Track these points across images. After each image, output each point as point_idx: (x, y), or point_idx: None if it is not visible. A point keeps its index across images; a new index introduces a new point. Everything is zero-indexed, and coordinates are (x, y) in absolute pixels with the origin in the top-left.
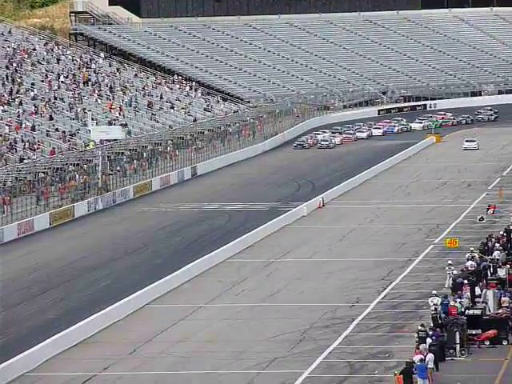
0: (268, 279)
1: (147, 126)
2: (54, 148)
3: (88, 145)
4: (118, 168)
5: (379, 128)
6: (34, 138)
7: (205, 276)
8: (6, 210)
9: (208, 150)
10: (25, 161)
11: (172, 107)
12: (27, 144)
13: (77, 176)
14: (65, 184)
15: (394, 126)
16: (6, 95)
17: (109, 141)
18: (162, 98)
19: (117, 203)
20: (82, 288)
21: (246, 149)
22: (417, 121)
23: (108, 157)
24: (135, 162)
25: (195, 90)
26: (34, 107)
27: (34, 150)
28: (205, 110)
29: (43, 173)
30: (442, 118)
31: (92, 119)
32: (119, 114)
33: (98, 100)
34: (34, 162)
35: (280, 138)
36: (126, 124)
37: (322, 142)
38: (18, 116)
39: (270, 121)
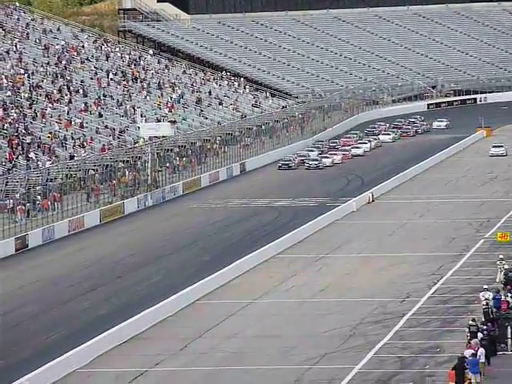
0: (318, 274)
1: (196, 123)
2: (103, 145)
3: (137, 142)
4: (168, 164)
5: (366, 143)
6: (83, 135)
7: (254, 272)
8: (56, 207)
9: (256, 146)
10: (75, 158)
11: (220, 103)
12: (77, 141)
13: (126, 173)
14: (114, 181)
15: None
16: (55, 92)
17: (158, 137)
18: (210, 94)
19: (166, 200)
20: (133, 284)
21: (294, 144)
22: (383, 133)
23: (157, 153)
24: (184, 158)
25: (243, 86)
26: (83, 104)
27: (84, 147)
28: (253, 105)
29: (93, 170)
30: (400, 129)
31: (141, 116)
32: (169, 110)
33: (147, 97)
34: (84, 159)
35: (329, 133)
36: (175, 121)
37: (310, 163)
38: (68, 113)
39: (319, 116)
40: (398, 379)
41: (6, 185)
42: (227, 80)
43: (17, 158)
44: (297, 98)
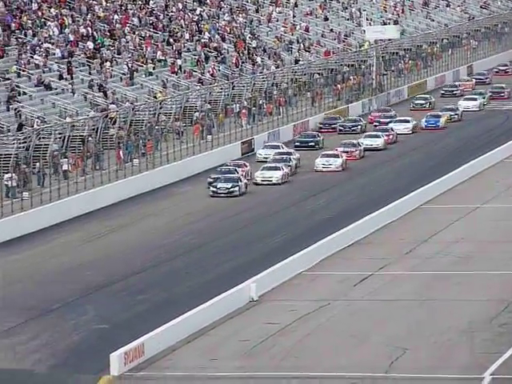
0: None
1: (422, 25)
2: (328, 49)
3: (362, 45)
4: (393, 68)
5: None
6: (309, 39)
7: (480, 176)
8: (281, 112)
9: (484, 49)
10: (300, 62)
11: (448, 5)
12: (302, 45)
13: (351, 77)
14: (339, 85)
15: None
16: None
17: (383, 41)
18: None
19: (391, 103)
20: (357, 188)
21: None
22: (466, 97)
23: (382, 57)
24: (410, 61)
25: None
26: (308, 8)
27: (309, 51)
28: (481, 7)
29: (318, 74)
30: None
31: (366, 19)
32: (396, 14)
33: (373, 0)
34: (309, 63)
35: None
36: (400, 23)
37: (219, 186)
38: (293, 17)
39: None
40: None
41: (233, 89)
42: None
43: (243, 63)
44: None
